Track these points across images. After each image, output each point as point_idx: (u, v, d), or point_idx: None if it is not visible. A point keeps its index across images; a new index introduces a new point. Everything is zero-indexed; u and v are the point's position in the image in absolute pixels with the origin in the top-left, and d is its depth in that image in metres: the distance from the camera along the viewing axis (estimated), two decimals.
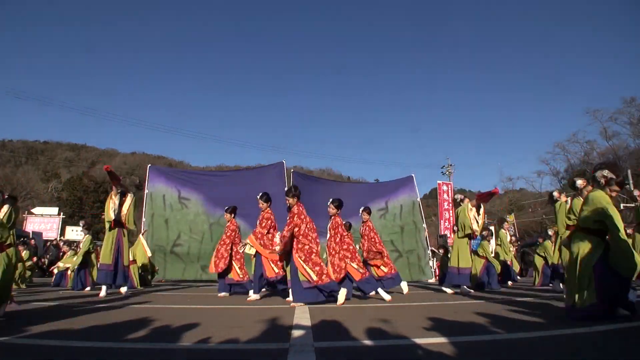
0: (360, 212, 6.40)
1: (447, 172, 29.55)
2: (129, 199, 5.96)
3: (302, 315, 3.41)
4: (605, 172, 3.12)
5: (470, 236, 6.33)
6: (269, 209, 5.71)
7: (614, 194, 3.10)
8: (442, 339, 2.23)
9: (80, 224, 8.34)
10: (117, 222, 5.81)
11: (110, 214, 5.75)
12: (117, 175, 6.11)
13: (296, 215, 4.66)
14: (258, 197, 5.68)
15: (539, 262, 8.65)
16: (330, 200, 5.30)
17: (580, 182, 4.29)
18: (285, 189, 10.00)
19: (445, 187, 21.61)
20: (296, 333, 2.52)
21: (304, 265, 4.48)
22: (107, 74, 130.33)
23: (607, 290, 2.89)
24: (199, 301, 5.20)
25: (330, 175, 62.42)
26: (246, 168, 11.63)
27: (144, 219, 9.87)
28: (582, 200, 3.47)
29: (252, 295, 5.41)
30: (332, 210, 5.22)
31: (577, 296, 3.03)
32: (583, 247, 3.08)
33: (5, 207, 3.79)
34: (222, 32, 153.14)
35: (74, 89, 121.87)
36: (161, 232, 9.76)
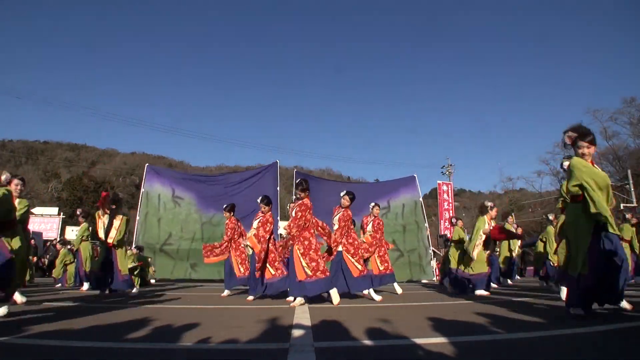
0: (372, 207, 6.46)
1: (447, 172, 29.59)
2: (117, 221, 5.89)
3: (302, 315, 3.41)
4: (569, 133, 3.15)
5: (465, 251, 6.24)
6: (270, 212, 5.69)
7: (585, 151, 3.09)
8: (442, 339, 2.23)
9: (78, 212, 8.18)
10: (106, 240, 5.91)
11: (100, 234, 5.87)
12: (109, 200, 6.05)
13: (308, 211, 4.66)
14: (259, 200, 5.65)
15: (540, 248, 8.60)
16: (345, 191, 5.28)
17: (566, 164, 4.33)
18: (278, 188, 10.17)
19: (445, 187, 21.64)
20: (296, 333, 2.52)
21: (301, 259, 4.50)
22: (107, 74, 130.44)
23: (597, 268, 2.95)
24: (199, 301, 5.21)
25: (331, 175, 62.46)
26: (246, 168, 11.70)
27: (137, 218, 9.93)
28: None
29: (250, 296, 5.43)
30: (346, 202, 5.21)
31: (571, 264, 3.16)
32: (576, 219, 3.15)
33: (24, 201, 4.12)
34: (223, 32, 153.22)
35: (74, 88, 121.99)
36: (153, 231, 9.80)
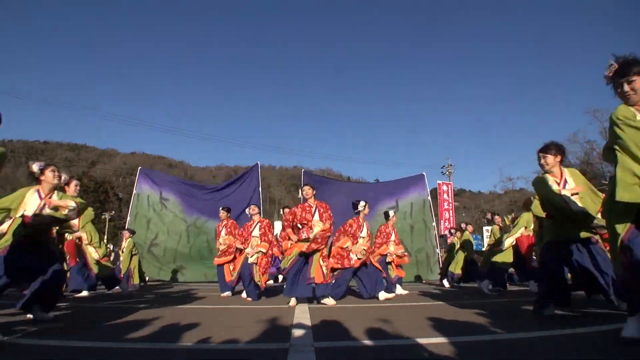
0: (391, 216, 6.57)
1: (447, 172, 29.54)
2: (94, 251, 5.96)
3: (302, 315, 3.41)
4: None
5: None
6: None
7: (542, 162, 3.17)
8: (442, 339, 2.23)
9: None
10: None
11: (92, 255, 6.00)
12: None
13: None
14: (250, 209, 5.83)
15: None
16: (364, 201, 5.37)
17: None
18: (260, 188, 10.36)
19: (445, 187, 21.59)
20: (296, 333, 2.53)
21: (322, 263, 4.52)
22: (107, 74, 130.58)
23: (551, 276, 3.14)
24: (199, 301, 5.20)
25: (331, 175, 62.52)
26: (246, 168, 11.79)
27: (128, 218, 10.17)
28: None
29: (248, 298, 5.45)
30: (368, 211, 5.41)
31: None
32: (545, 230, 3.38)
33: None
34: (223, 32, 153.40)
35: (74, 88, 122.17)
36: (141, 232, 9.94)
